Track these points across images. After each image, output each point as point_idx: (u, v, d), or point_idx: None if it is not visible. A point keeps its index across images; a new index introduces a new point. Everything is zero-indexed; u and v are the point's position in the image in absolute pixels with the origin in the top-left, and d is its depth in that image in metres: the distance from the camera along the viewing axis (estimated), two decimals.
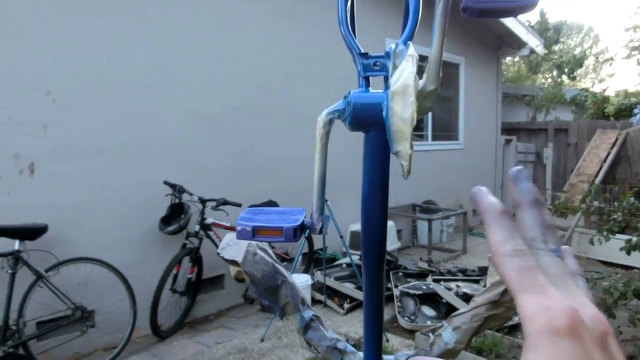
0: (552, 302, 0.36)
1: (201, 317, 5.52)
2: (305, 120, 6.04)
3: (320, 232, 0.68)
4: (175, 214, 5.05)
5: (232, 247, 1.33)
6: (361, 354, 1.18)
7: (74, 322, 4.29)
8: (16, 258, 3.93)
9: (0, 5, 4.02)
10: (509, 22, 10.25)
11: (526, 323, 0.36)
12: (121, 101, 4.79)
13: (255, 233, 0.65)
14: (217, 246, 4.96)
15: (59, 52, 4.38)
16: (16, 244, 3.95)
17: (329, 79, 6.58)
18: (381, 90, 0.58)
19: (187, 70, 5.33)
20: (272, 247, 5.73)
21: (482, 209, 0.43)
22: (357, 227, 6.93)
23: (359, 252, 6.29)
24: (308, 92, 6.53)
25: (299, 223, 0.64)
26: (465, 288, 5.55)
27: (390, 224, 7.04)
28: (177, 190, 5.02)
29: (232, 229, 4.93)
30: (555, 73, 23.20)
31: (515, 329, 4.91)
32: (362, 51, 0.62)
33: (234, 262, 1.29)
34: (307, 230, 0.68)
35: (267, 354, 4.59)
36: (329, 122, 0.61)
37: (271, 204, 5.59)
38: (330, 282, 5.80)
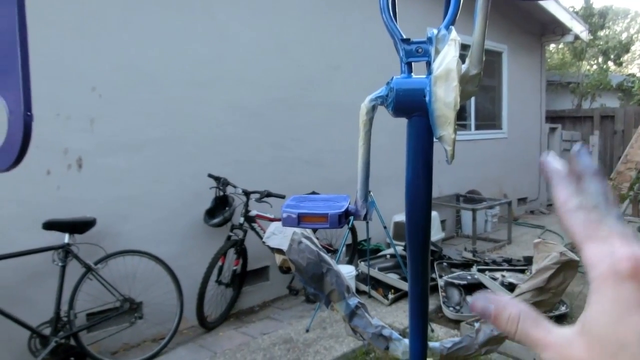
0: (616, 248, 0.38)
1: (246, 309, 5.57)
2: (348, 112, 6.04)
3: (365, 218, 0.68)
4: (220, 206, 5.10)
5: (278, 236, 1.35)
6: (406, 340, 1.18)
7: (122, 313, 4.37)
8: (66, 251, 4.02)
9: (47, 3, 4.10)
10: (552, 8, 10.07)
11: (590, 269, 0.39)
12: (165, 95, 4.85)
13: (300, 220, 0.65)
14: (261, 238, 4.98)
15: (104, 48, 4.46)
16: (66, 238, 4.03)
17: (371, 69, 6.55)
18: (424, 76, 0.58)
19: (230, 63, 5.36)
20: (317, 239, 5.75)
21: (549, 172, 0.46)
22: (400, 217, 6.91)
23: (403, 243, 6.28)
24: (350, 83, 6.51)
25: (343, 209, 0.64)
26: (511, 278, 5.49)
27: (434, 214, 6.99)
28: (222, 182, 5.06)
29: (276, 220, 4.95)
30: (600, 59, 22.72)
31: (562, 319, 4.85)
32: (404, 37, 0.62)
33: (279, 251, 1.31)
34: (352, 218, 0.68)
35: (313, 344, 4.61)
36: (372, 109, 0.61)
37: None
38: (375, 272, 5.79)
